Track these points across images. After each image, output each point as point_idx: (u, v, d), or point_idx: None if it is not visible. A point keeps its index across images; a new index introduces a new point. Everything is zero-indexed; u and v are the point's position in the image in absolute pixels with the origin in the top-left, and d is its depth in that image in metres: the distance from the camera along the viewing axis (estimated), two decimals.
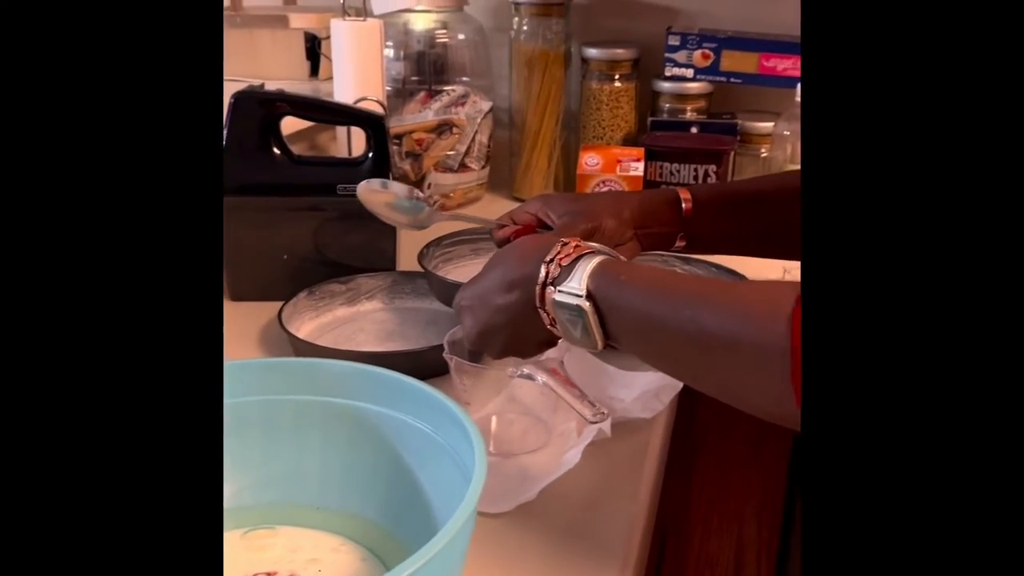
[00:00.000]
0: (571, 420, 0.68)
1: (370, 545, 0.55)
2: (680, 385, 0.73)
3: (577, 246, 0.54)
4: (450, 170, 1.23)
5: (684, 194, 0.72)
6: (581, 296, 0.51)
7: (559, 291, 0.52)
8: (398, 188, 0.79)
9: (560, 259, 0.53)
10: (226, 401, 0.40)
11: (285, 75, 1.30)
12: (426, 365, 0.71)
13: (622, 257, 0.56)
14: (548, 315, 0.54)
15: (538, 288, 0.54)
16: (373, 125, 0.93)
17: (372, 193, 0.78)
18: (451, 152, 1.22)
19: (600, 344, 0.52)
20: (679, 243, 0.73)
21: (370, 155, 0.93)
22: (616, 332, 0.51)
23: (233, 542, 0.54)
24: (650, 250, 0.74)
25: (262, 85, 0.98)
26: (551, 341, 0.59)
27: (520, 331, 0.57)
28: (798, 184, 0.73)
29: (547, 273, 0.53)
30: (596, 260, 0.52)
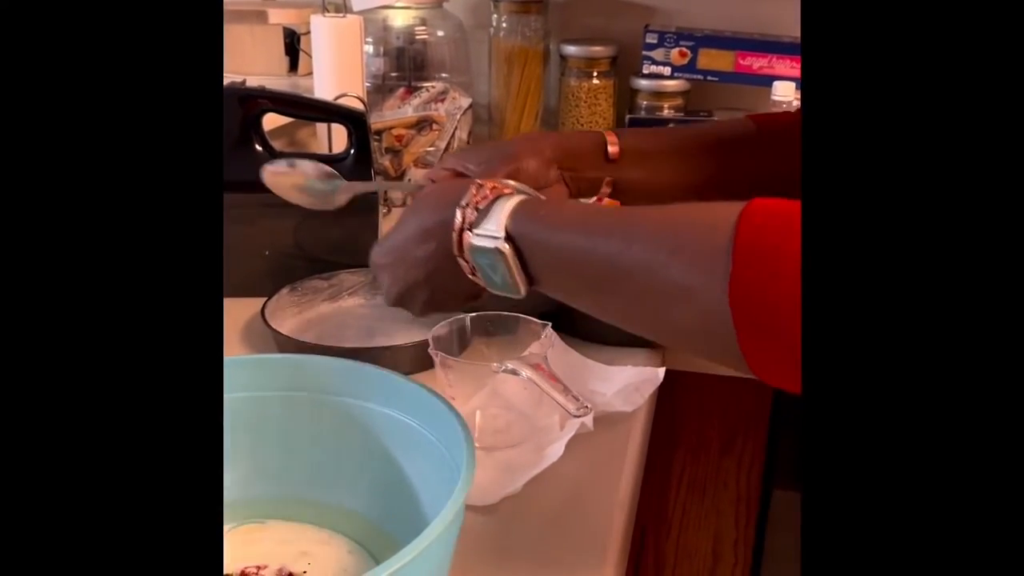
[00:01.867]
0: (554, 414, 0.69)
1: (359, 538, 0.55)
2: (660, 378, 0.75)
3: (494, 187, 0.50)
4: (430, 166, 1.24)
5: (611, 137, 0.67)
6: (499, 238, 0.47)
7: (476, 235, 0.48)
8: (307, 167, 0.71)
9: (476, 202, 0.49)
10: None
11: (264, 71, 1.30)
12: (411, 360, 0.72)
13: (543, 197, 0.52)
14: (468, 263, 0.50)
15: (455, 235, 0.50)
16: (355, 121, 0.94)
17: (278, 176, 0.70)
18: (431, 148, 1.23)
19: (523, 289, 0.49)
20: (605, 189, 0.67)
21: (352, 151, 0.93)
22: (539, 273, 0.48)
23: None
24: (580, 196, 0.67)
25: (243, 81, 0.98)
26: (475, 293, 0.54)
27: (441, 284, 0.54)
28: (737, 133, 0.70)
29: (463, 218, 0.49)
30: (515, 200, 0.49)
